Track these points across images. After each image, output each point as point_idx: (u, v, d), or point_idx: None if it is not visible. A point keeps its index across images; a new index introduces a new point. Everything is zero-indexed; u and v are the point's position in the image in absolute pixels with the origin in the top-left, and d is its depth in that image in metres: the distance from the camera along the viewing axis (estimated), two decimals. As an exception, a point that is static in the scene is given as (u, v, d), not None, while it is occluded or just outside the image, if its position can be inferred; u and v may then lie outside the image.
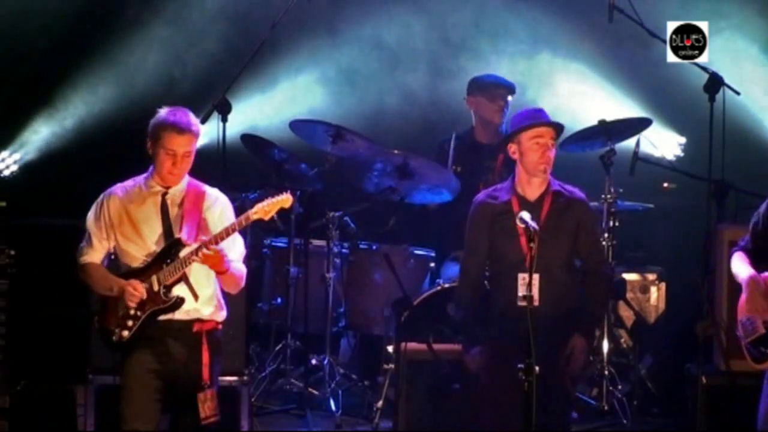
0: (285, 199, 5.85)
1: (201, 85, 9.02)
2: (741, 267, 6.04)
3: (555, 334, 6.10)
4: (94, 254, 5.93)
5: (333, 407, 7.83)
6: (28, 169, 9.24)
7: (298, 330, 8.24)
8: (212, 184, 6.95)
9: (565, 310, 6.22)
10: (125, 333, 5.80)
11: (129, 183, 6.00)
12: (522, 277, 6.14)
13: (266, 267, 8.56)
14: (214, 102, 7.54)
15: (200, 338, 5.84)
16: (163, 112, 5.90)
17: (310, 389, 7.96)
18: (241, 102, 8.82)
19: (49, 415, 7.32)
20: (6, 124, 9.17)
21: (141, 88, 9.26)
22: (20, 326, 7.42)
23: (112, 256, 6.02)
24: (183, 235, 5.82)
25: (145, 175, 5.98)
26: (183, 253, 5.81)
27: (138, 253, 5.87)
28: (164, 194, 5.91)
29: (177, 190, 5.93)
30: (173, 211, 5.90)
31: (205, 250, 5.73)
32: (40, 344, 7.76)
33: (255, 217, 5.82)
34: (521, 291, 6.15)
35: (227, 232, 5.79)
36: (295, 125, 8.27)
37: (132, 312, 5.80)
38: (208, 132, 8.68)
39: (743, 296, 5.99)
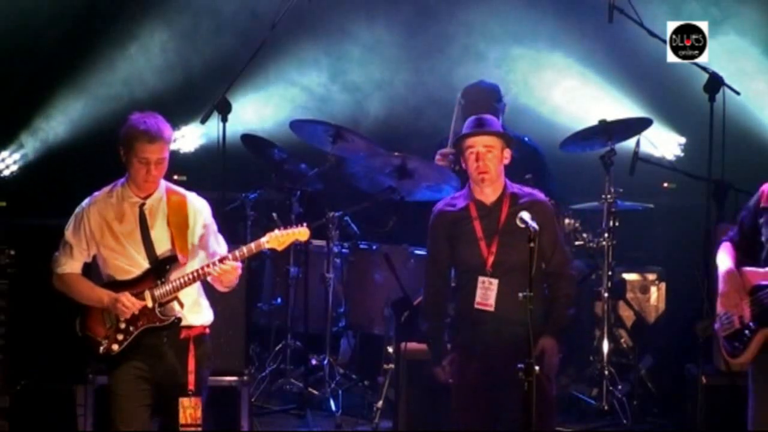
0: (302, 232, 5.85)
1: (201, 85, 9.02)
2: (723, 259, 6.06)
3: (519, 339, 6.04)
4: (75, 265, 5.88)
5: (333, 407, 7.83)
6: (28, 169, 9.25)
7: (298, 330, 8.25)
8: (212, 184, 6.96)
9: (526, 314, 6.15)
10: (115, 347, 5.78)
11: (107, 191, 5.90)
12: (482, 281, 6.13)
13: (266, 267, 8.56)
14: (214, 102, 7.55)
15: (187, 344, 5.82)
16: (133, 119, 5.80)
17: (310, 389, 7.96)
18: (241, 102, 8.83)
19: (49, 415, 7.32)
20: (6, 124, 9.18)
21: (141, 87, 9.27)
22: (20, 326, 7.42)
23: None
24: (178, 253, 5.79)
25: (122, 180, 5.90)
26: (177, 271, 5.79)
27: (124, 264, 5.81)
28: (142, 205, 5.84)
29: (155, 200, 5.86)
30: (152, 223, 5.83)
31: (223, 266, 5.73)
32: (40, 344, 7.77)
33: (268, 246, 5.81)
34: (479, 295, 6.13)
35: (235, 258, 5.77)
36: (295, 125, 8.27)
37: (123, 326, 5.77)
38: (208, 132, 8.72)
39: (719, 290, 6.02)
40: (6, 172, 9.21)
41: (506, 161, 6.29)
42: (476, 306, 6.13)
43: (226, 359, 7.09)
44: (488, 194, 6.26)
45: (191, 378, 5.77)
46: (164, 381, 5.80)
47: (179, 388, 5.77)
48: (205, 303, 5.97)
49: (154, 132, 5.75)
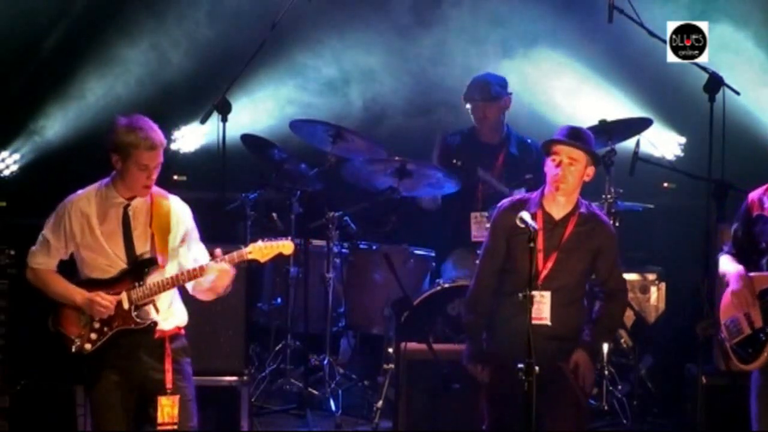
0: (286, 246, 5.86)
1: (200, 85, 9.02)
2: (729, 265, 6.08)
3: (562, 353, 6.11)
4: (50, 261, 5.85)
5: (333, 407, 7.83)
6: (28, 169, 9.24)
7: (298, 330, 8.24)
8: (212, 184, 6.95)
9: (572, 330, 6.21)
10: (87, 346, 5.75)
11: (90, 191, 5.88)
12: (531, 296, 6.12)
13: (266, 267, 8.53)
14: (214, 102, 7.55)
15: (163, 343, 5.79)
16: (124, 124, 5.76)
17: (310, 389, 7.95)
18: (241, 102, 8.82)
19: (49, 415, 7.31)
20: (6, 124, 9.17)
21: (142, 87, 9.26)
22: (20, 326, 7.41)
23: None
24: (158, 256, 5.78)
25: (105, 181, 5.88)
26: (156, 274, 5.76)
27: (103, 264, 5.79)
28: (126, 206, 5.83)
29: (140, 201, 5.84)
30: (135, 225, 5.82)
31: (214, 264, 5.72)
32: (40, 344, 7.75)
33: (250, 257, 5.80)
34: (533, 311, 6.10)
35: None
36: (295, 125, 8.27)
37: (97, 326, 5.75)
38: (208, 132, 8.71)
39: (728, 292, 6.03)
40: (6, 172, 9.21)
41: (587, 179, 6.26)
42: (532, 321, 6.08)
43: (226, 359, 7.10)
44: (559, 207, 6.24)
45: (168, 377, 5.73)
46: (144, 384, 5.76)
47: (158, 388, 5.74)
48: (179, 306, 5.93)
49: (153, 139, 5.74)
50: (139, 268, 5.77)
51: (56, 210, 5.89)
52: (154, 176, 5.79)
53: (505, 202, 6.40)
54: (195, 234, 5.95)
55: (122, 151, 5.75)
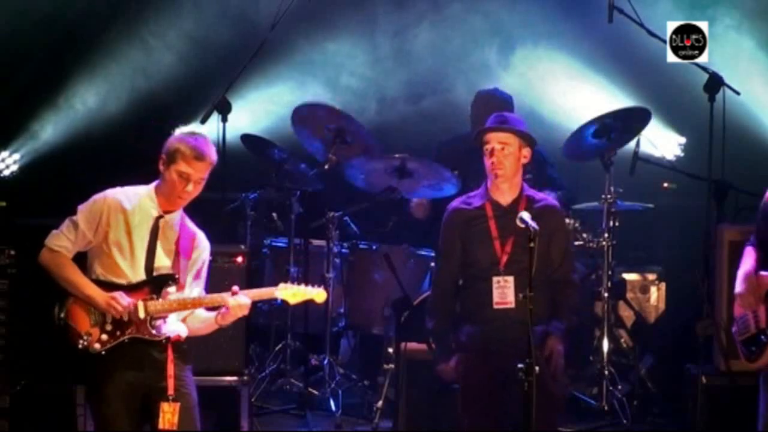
0: (318, 294, 5.83)
1: (201, 85, 9.02)
2: (744, 263, 6.10)
3: (527, 338, 6.11)
4: (72, 248, 5.75)
5: (333, 407, 7.83)
6: (28, 169, 9.25)
7: (298, 330, 8.24)
8: (212, 185, 6.93)
9: (538, 315, 6.15)
10: (97, 345, 5.68)
11: (131, 192, 5.84)
12: (496, 281, 6.21)
13: (266, 267, 8.55)
14: (214, 102, 7.55)
15: (166, 349, 5.75)
16: (182, 133, 5.79)
17: (310, 389, 7.95)
18: (241, 102, 8.83)
19: (49, 415, 7.31)
20: (6, 125, 9.17)
21: (142, 88, 9.27)
22: (20, 326, 7.41)
23: None
24: (181, 276, 5.76)
25: (147, 188, 5.85)
26: (174, 293, 5.74)
27: (122, 265, 5.75)
28: (159, 217, 5.80)
29: (172, 218, 5.82)
30: (162, 238, 5.79)
31: (239, 300, 5.69)
32: (40, 344, 7.76)
33: (279, 296, 5.79)
34: (497, 295, 6.20)
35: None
36: (298, 112, 8.24)
37: (109, 328, 5.69)
38: (208, 132, 8.70)
39: (736, 291, 6.06)
40: (6, 172, 9.21)
41: (525, 160, 6.36)
42: (495, 306, 6.17)
43: (226, 359, 7.10)
44: (505, 194, 6.34)
45: (171, 383, 5.70)
46: (148, 390, 5.73)
47: (162, 393, 5.71)
48: (181, 324, 5.92)
49: (202, 150, 5.73)
50: (159, 281, 5.74)
51: (94, 199, 5.81)
52: (191, 189, 5.74)
53: (454, 201, 6.52)
54: (205, 273, 5.94)
55: (170, 155, 5.74)
